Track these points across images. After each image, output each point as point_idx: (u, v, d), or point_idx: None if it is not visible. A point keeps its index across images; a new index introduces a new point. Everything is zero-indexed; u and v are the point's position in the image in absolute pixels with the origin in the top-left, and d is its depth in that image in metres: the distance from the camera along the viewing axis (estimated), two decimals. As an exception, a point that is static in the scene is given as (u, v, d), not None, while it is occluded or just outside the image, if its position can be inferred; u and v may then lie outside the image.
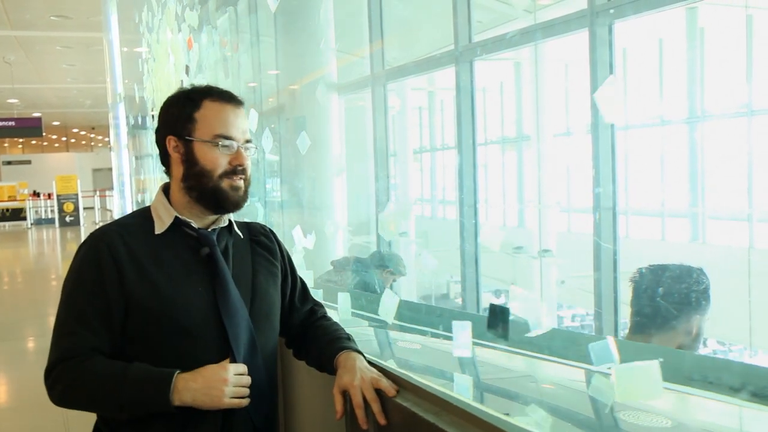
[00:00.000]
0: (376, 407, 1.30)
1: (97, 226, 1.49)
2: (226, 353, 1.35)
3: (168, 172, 1.45)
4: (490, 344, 1.64)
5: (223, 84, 3.80)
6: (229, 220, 1.48)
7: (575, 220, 8.42)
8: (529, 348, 1.61)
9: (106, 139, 26.48)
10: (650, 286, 1.73)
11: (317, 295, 1.72)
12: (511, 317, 1.42)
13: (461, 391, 1.31)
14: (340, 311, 1.73)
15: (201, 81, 3.61)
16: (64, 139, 34.90)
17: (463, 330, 1.47)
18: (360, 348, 1.46)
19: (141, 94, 6.58)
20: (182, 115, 1.39)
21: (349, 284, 3.12)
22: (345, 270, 3.28)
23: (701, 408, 1.39)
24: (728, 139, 7.14)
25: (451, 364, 1.77)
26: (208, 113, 1.38)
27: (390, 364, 1.42)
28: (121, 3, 7.78)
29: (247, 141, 1.41)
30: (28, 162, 31.34)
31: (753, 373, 1.32)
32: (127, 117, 8.49)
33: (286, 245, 1.63)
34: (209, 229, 1.43)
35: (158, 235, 1.39)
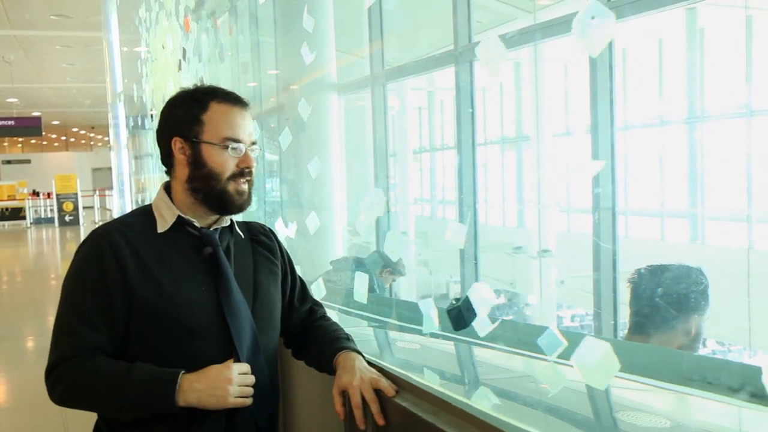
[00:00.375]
0: (374, 407, 1.30)
1: (97, 226, 1.49)
2: (229, 353, 1.35)
3: (169, 172, 1.44)
4: (489, 344, 1.64)
5: (220, 68, 3.81)
6: (231, 220, 1.48)
7: (575, 221, 8.42)
8: (527, 348, 1.61)
9: (106, 138, 26.48)
10: (649, 287, 1.73)
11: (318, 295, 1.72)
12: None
13: (431, 378, 1.34)
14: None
15: (197, 65, 3.63)
16: (63, 138, 34.90)
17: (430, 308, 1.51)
18: (359, 348, 1.46)
19: (140, 94, 6.59)
20: (188, 116, 1.38)
21: (348, 284, 3.12)
22: (344, 270, 3.29)
23: (700, 408, 1.39)
24: (728, 140, 7.15)
25: (450, 364, 1.77)
26: (215, 115, 1.37)
27: (388, 364, 1.42)
28: (120, 2, 7.78)
29: (253, 143, 1.41)
30: (28, 161, 31.33)
31: (752, 374, 1.32)
32: (127, 117, 8.49)
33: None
34: (211, 229, 1.43)
35: (160, 233, 1.39)
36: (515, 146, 10.73)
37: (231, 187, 1.38)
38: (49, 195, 21.21)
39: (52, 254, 14.45)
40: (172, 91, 4.71)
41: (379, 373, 1.38)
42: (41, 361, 1.33)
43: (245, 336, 1.37)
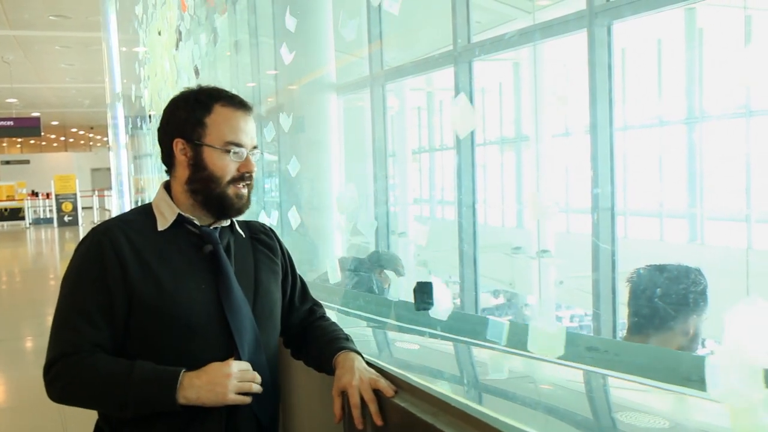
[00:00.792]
0: (373, 407, 1.31)
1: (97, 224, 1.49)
2: (230, 351, 1.35)
3: (169, 171, 1.44)
4: (488, 345, 1.64)
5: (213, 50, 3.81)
6: (231, 219, 1.48)
7: (574, 221, 8.42)
8: (525, 348, 1.61)
9: (105, 138, 26.44)
10: (648, 287, 1.73)
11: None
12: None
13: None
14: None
15: (190, 46, 3.62)
16: (62, 138, 34.86)
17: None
18: (359, 348, 1.46)
19: (139, 94, 6.58)
20: (191, 118, 1.38)
21: (347, 284, 3.12)
22: (343, 270, 3.28)
23: (699, 408, 1.39)
24: (727, 140, 7.15)
25: (450, 364, 1.77)
26: (218, 119, 1.37)
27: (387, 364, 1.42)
28: (119, 2, 7.78)
29: (254, 147, 1.41)
30: (27, 162, 31.29)
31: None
32: (126, 117, 8.49)
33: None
34: (211, 227, 1.43)
35: (161, 231, 1.39)
36: (514, 146, 10.74)
37: (230, 190, 1.38)
38: (48, 195, 21.19)
39: (51, 254, 14.44)
40: (168, 70, 4.72)
41: (378, 374, 1.38)
42: (40, 361, 1.32)
43: (246, 334, 1.37)
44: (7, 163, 30.71)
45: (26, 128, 19.41)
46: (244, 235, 1.50)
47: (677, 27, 7.30)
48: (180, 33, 3.78)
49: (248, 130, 1.40)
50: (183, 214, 1.40)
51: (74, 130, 32.36)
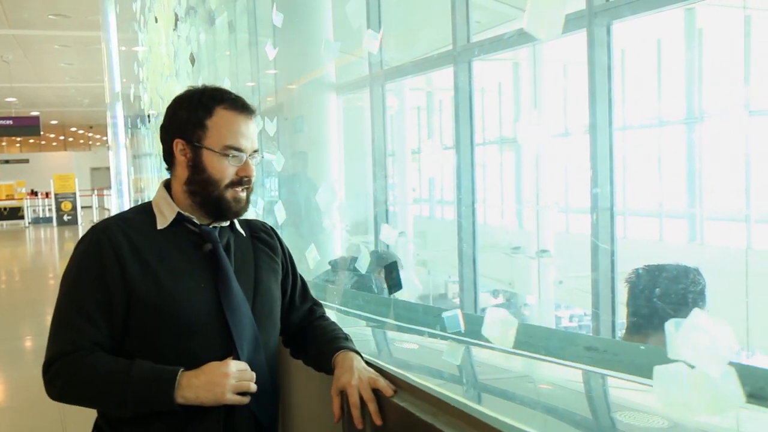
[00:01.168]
0: (372, 407, 1.30)
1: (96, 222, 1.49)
2: (229, 350, 1.35)
3: (170, 170, 1.44)
4: (488, 345, 1.64)
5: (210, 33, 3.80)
6: None
7: (573, 221, 8.43)
8: (525, 348, 1.61)
9: (105, 138, 26.43)
10: (647, 287, 1.73)
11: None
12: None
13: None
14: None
15: (187, 28, 3.61)
16: (62, 137, 34.84)
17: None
18: (358, 347, 1.46)
19: (138, 95, 6.58)
20: (192, 119, 1.37)
21: (346, 284, 3.12)
22: (343, 270, 3.28)
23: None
24: (726, 140, 7.15)
25: (449, 364, 1.77)
26: (220, 122, 1.37)
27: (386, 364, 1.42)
28: (119, 2, 7.77)
29: (255, 151, 1.41)
30: (26, 161, 31.27)
31: (750, 374, 1.32)
32: (125, 117, 8.49)
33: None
34: (211, 226, 1.43)
35: (160, 230, 1.39)
36: (514, 146, 10.73)
37: (229, 194, 1.38)
38: (47, 194, 21.20)
39: (51, 254, 14.44)
40: (165, 54, 4.72)
41: (377, 373, 1.38)
42: (39, 360, 1.32)
43: (245, 333, 1.37)
44: (7, 162, 30.69)
45: (25, 127, 19.41)
46: (244, 234, 1.50)
47: (677, 27, 7.30)
48: (177, 15, 3.79)
49: (249, 134, 1.39)
50: (183, 212, 1.40)
51: (74, 129, 32.34)
